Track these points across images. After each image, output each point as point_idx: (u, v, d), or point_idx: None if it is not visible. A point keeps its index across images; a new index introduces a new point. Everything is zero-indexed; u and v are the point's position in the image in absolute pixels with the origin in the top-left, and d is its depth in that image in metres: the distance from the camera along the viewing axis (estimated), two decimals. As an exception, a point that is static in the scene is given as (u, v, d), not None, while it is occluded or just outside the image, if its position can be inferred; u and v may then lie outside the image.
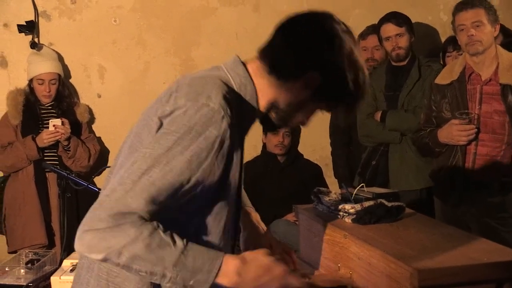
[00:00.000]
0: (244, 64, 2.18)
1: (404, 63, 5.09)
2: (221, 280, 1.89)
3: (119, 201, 1.82)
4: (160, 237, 1.82)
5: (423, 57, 5.18)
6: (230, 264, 1.90)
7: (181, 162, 1.88)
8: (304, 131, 6.00)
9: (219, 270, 1.88)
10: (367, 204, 2.73)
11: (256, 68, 2.16)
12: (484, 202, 4.29)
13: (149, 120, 2.05)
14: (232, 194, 2.09)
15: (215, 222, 2.07)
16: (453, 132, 4.20)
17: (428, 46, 5.66)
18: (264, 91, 2.15)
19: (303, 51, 2.09)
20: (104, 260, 1.83)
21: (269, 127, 2.24)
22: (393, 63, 5.13)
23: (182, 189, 1.89)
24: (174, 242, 1.84)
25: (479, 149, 4.24)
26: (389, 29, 5.06)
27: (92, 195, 5.32)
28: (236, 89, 2.10)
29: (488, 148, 4.23)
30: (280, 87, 2.12)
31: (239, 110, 2.07)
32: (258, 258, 1.99)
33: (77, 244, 1.87)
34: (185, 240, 1.86)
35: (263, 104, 2.16)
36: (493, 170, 4.25)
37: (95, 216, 1.83)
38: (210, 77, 2.07)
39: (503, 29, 4.90)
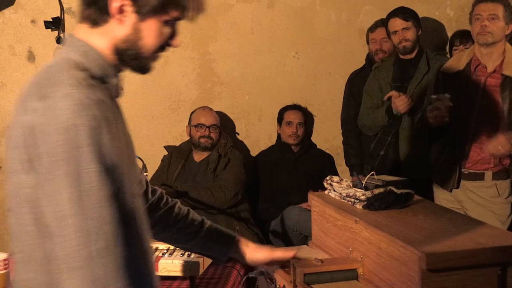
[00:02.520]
0: (75, 36, 1.93)
1: (412, 56, 5.08)
2: None
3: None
4: None
5: (431, 51, 5.16)
6: None
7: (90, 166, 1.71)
8: (317, 122, 6.01)
9: None
10: (377, 191, 2.73)
11: (84, 32, 1.91)
12: (480, 189, 4.33)
13: (14, 136, 1.80)
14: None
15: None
16: (429, 113, 4.24)
17: (435, 41, 5.65)
18: (103, 47, 1.90)
19: None
20: None
21: (138, 71, 2.02)
22: (401, 56, 5.12)
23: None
24: None
25: (476, 138, 4.28)
26: (396, 24, 5.05)
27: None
28: (84, 62, 1.86)
29: (484, 138, 4.27)
30: (108, 31, 1.89)
31: (96, 78, 1.86)
32: None
33: None
34: None
35: (112, 57, 1.92)
36: (488, 159, 4.32)
37: None
38: (52, 67, 1.85)
39: None
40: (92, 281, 1.68)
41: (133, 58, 1.94)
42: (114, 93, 1.94)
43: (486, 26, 4.23)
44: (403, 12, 5.08)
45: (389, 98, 4.87)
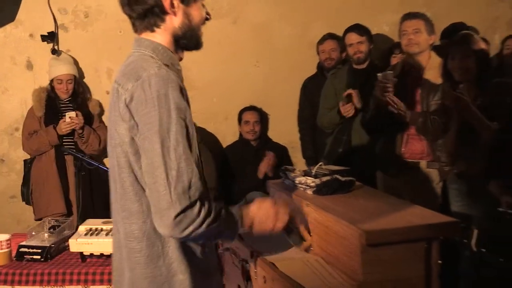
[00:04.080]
0: (143, 38, 2.11)
1: (364, 66, 5.09)
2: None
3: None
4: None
5: (379, 63, 5.19)
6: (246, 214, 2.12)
7: (176, 124, 1.89)
8: (275, 121, 6.04)
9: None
10: (324, 179, 2.73)
11: (148, 36, 2.10)
12: (414, 175, 4.36)
13: (117, 114, 1.99)
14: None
15: None
16: (379, 91, 4.29)
17: (375, 52, 5.67)
18: (166, 41, 2.09)
19: None
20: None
21: (195, 47, 2.22)
22: (355, 66, 5.13)
23: (191, 140, 1.94)
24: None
25: (410, 131, 4.34)
26: (352, 38, 5.08)
27: (102, 173, 5.33)
28: (153, 56, 2.05)
29: (414, 131, 4.35)
30: (167, 27, 2.08)
31: (166, 64, 2.06)
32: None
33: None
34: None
35: (173, 48, 2.13)
36: (419, 150, 4.36)
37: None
38: (134, 61, 2.04)
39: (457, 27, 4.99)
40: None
41: (191, 38, 2.13)
42: (180, 77, 2.09)
43: (412, 39, 4.34)
44: (359, 28, 5.12)
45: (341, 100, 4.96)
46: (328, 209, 2.44)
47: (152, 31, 2.08)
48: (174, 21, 2.07)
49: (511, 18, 6.32)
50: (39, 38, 5.61)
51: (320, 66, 5.69)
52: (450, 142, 4.01)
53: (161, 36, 2.08)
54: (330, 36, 5.50)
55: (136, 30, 2.12)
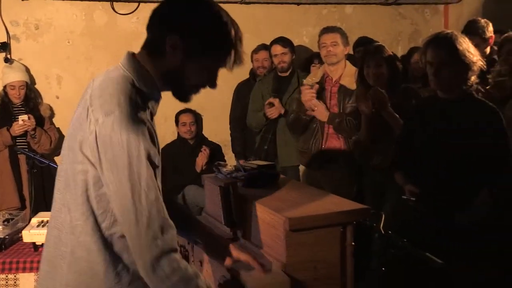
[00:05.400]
0: (135, 57, 1.87)
1: (287, 74, 5.14)
2: None
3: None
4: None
5: (300, 71, 5.24)
6: None
7: (147, 168, 1.70)
8: (210, 121, 6.05)
9: None
10: (252, 172, 2.74)
11: (143, 57, 1.86)
12: (334, 168, 4.40)
13: (83, 135, 1.76)
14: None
15: None
16: (303, 96, 4.34)
17: (296, 62, 5.72)
18: (155, 72, 1.85)
19: (158, 24, 1.85)
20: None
21: (180, 99, 1.95)
22: (279, 74, 5.17)
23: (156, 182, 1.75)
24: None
25: (330, 130, 4.38)
26: (277, 49, 5.13)
27: (53, 170, 5.20)
28: (136, 82, 1.79)
29: (333, 130, 4.38)
30: (162, 62, 1.83)
31: (144, 97, 1.81)
32: None
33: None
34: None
35: (161, 83, 1.87)
36: (338, 146, 4.43)
37: None
38: (114, 82, 1.77)
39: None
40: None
41: (173, 85, 1.88)
42: (153, 111, 1.89)
43: (330, 50, 4.41)
44: (283, 41, 5.17)
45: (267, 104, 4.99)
46: (256, 199, 2.44)
47: (149, 54, 1.86)
48: (168, 62, 1.83)
49: (411, 33, 6.51)
50: (-8, 48, 5.47)
51: (252, 73, 5.71)
52: (364, 139, 4.07)
53: (153, 64, 1.85)
54: (264, 47, 5.52)
55: (144, 44, 1.90)
